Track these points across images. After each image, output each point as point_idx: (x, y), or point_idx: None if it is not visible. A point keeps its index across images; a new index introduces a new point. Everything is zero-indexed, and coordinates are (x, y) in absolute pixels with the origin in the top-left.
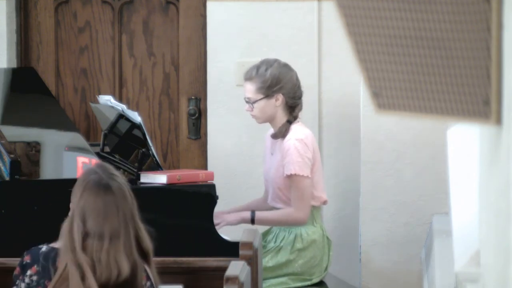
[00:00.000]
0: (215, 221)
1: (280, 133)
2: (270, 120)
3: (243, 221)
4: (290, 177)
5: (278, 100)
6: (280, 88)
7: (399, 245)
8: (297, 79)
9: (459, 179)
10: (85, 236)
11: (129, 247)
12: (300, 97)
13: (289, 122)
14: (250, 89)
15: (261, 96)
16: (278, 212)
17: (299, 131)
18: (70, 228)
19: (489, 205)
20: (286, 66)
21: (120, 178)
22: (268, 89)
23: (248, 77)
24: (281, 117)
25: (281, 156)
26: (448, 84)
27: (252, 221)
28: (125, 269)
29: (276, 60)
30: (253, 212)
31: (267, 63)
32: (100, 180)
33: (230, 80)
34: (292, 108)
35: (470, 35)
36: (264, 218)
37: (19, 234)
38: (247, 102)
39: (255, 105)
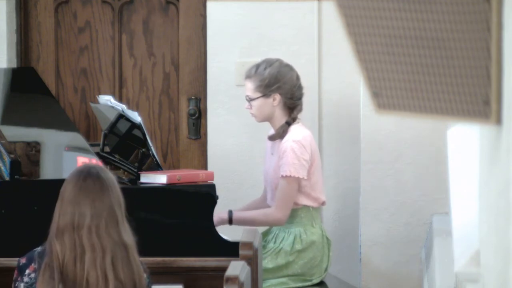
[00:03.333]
0: None
1: (278, 135)
2: (269, 119)
3: (221, 221)
4: (284, 178)
5: (275, 100)
6: (278, 88)
7: (399, 245)
8: (298, 80)
9: (459, 179)
10: (68, 216)
11: (115, 228)
12: (299, 98)
13: (288, 123)
14: (249, 87)
15: (258, 94)
16: (257, 211)
17: (297, 132)
18: (54, 213)
19: (489, 205)
20: (287, 66)
21: (110, 173)
22: (266, 88)
23: (248, 75)
24: (280, 117)
25: (279, 157)
26: (448, 84)
27: (230, 221)
28: (108, 248)
29: (277, 60)
30: (230, 212)
31: (268, 62)
32: (84, 168)
33: (230, 80)
34: (291, 109)
35: (470, 35)
36: (242, 218)
37: (19, 234)
38: (247, 100)
39: (253, 103)
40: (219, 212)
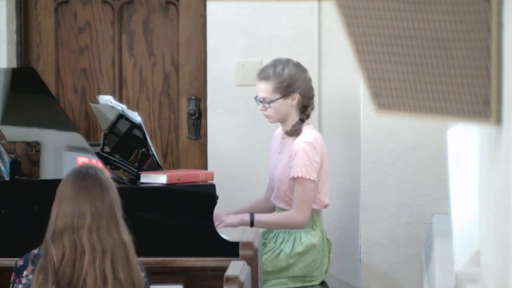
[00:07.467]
0: (214, 221)
1: (295, 131)
2: (283, 119)
3: (242, 223)
4: (296, 179)
5: (294, 100)
6: (297, 88)
7: (399, 245)
8: (310, 79)
9: (459, 179)
10: (67, 217)
11: (115, 227)
12: (313, 97)
13: (302, 120)
14: (265, 89)
15: (278, 95)
16: (278, 214)
17: (309, 134)
18: (51, 214)
19: (489, 205)
20: (299, 66)
21: (106, 173)
22: (286, 89)
23: (264, 77)
24: (294, 117)
25: (289, 158)
26: (448, 84)
27: (252, 223)
28: (109, 248)
29: (289, 60)
30: (252, 215)
31: (282, 63)
32: (81, 168)
33: (230, 80)
34: (305, 107)
35: (470, 35)
36: (263, 221)
37: (19, 234)
38: (261, 102)
39: (272, 104)
40: (241, 214)
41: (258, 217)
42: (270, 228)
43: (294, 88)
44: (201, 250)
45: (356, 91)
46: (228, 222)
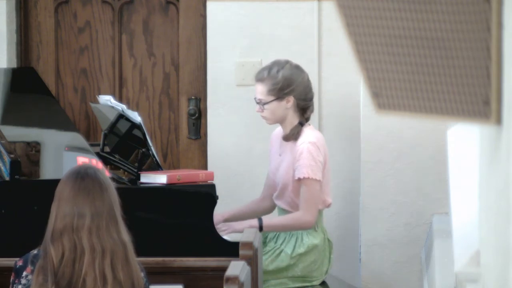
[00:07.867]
0: (222, 228)
1: (293, 136)
2: (281, 121)
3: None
4: (302, 180)
5: (289, 102)
6: (292, 90)
7: (399, 245)
8: (309, 81)
9: (459, 179)
10: (67, 218)
11: (115, 227)
12: (311, 99)
13: (301, 124)
14: (261, 91)
15: (272, 98)
16: (286, 217)
17: (311, 134)
18: (50, 214)
19: (489, 205)
20: (297, 67)
21: (105, 173)
22: (280, 91)
23: (259, 78)
24: (292, 119)
25: (293, 159)
26: (448, 84)
27: (260, 228)
28: (108, 249)
29: (288, 62)
30: (260, 220)
31: (279, 64)
32: (80, 168)
33: (230, 80)
34: (304, 110)
35: (470, 35)
36: (272, 224)
37: (19, 234)
38: (257, 103)
39: (266, 106)
40: (248, 220)
41: (266, 221)
42: (279, 231)
43: (289, 91)
44: (201, 250)
45: (356, 91)
46: (236, 229)
